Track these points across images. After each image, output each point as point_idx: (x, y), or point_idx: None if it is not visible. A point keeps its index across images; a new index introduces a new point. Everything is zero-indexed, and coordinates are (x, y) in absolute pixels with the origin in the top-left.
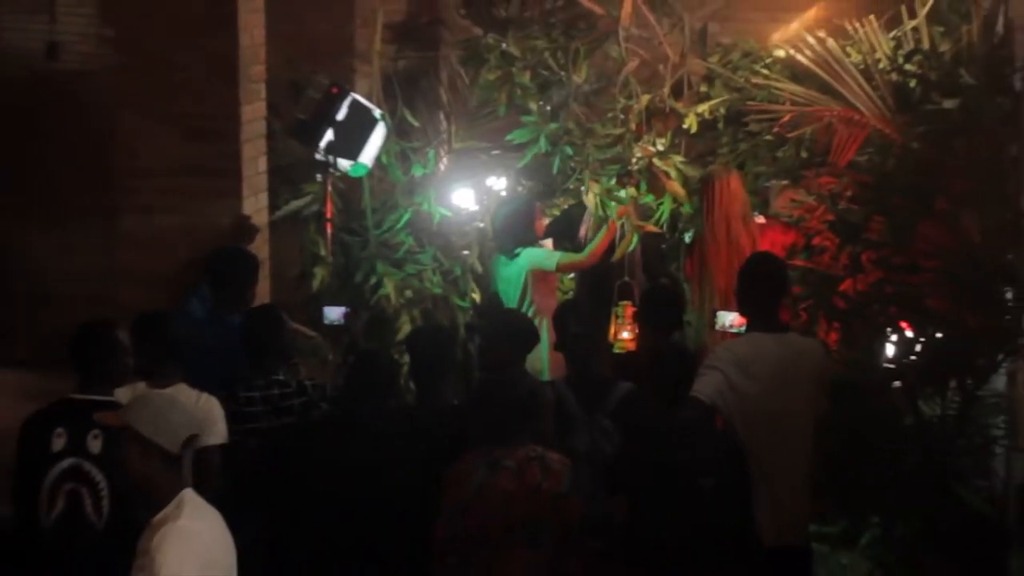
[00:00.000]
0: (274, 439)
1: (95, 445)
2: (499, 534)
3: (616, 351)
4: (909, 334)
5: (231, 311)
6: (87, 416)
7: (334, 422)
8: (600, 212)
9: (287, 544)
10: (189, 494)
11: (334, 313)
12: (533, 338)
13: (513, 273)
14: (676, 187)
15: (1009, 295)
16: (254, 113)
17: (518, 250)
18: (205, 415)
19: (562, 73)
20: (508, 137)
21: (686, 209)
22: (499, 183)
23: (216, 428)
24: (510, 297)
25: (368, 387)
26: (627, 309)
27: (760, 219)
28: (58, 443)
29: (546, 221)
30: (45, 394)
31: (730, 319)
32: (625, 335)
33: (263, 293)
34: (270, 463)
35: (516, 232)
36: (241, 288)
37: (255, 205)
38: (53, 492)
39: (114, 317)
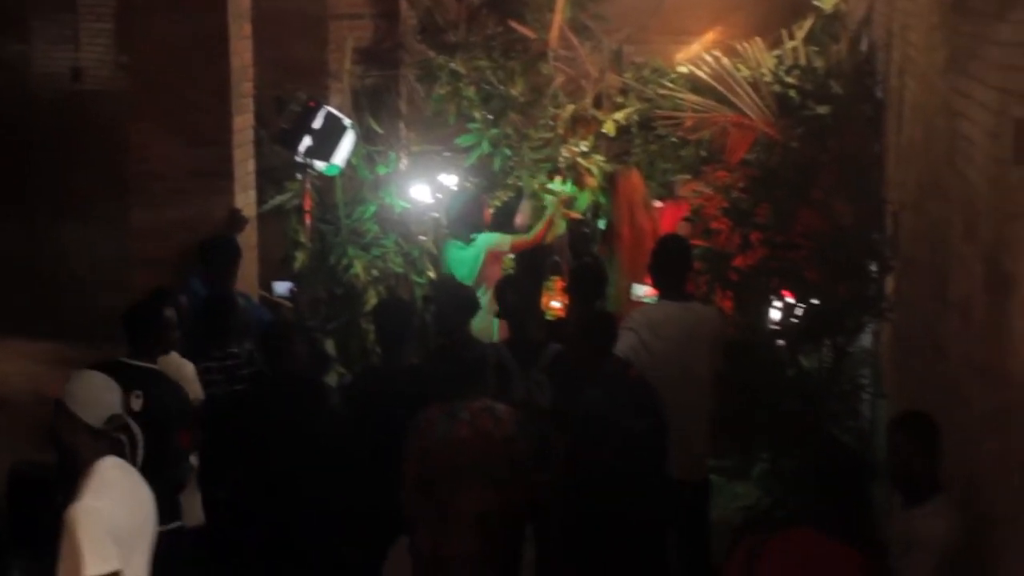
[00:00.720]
0: (232, 402)
1: (136, 404)
2: (458, 473)
3: (548, 318)
4: (790, 301)
5: (223, 287)
6: (134, 379)
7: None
8: (537, 202)
9: (249, 501)
10: (102, 465)
11: (281, 287)
12: (477, 307)
13: (470, 256)
14: (594, 182)
15: (873, 268)
16: (244, 123)
17: (474, 236)
18: (184, 377)
19: (501, 87)
20: (457, 141)
21: (603, 199)
22: (450, 179)
23: (192, 387)
24: (465, 276)
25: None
26: (557, 283)
27: (658, 204)
28: None
29: (491, 211)
30: (67, 362)
31: (643, 290)
32: (556, 304)
33: (252, 274)
34: (228, 424)
35: (469, 221)
36: (226, 269)
37: (245, 200)
38: None
39: (132, 296)
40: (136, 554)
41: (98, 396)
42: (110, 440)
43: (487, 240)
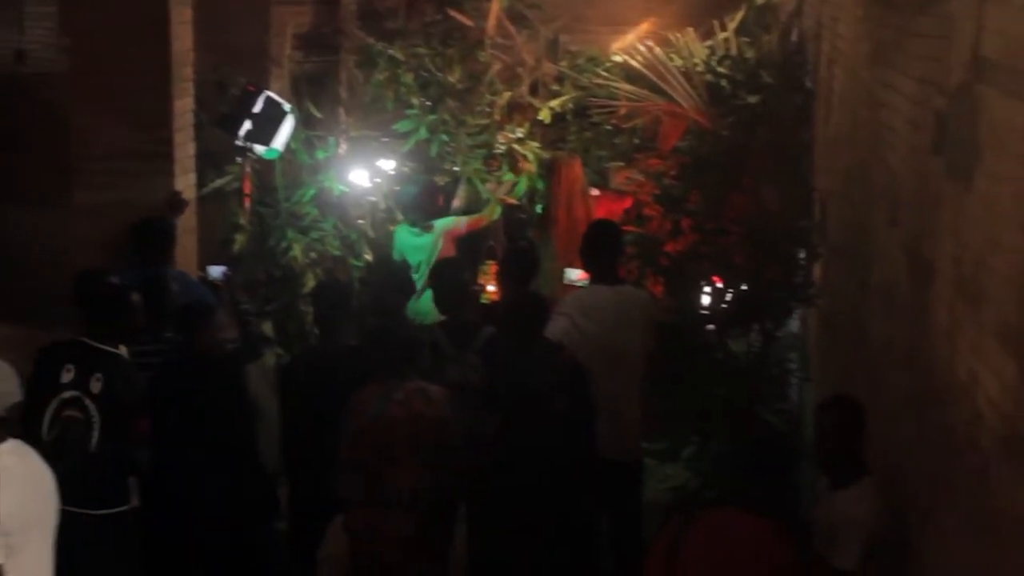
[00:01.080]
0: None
1: (96, 386)
2: (391, 453)
3: (483, 301)
4: (720, 286)
5: (156, 269)
6: (93, 361)
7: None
8: (472, 188)
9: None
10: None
11: (216, 271)
12: (413, 289)
13: (428, 241)
14: (531, 167)
15: (801, 254)
16: (184, 107)
17: (431, 222)
18: None
19: (439, 74)
20: (395, 127)
21: (539, 186)
22: (388, 165)
23: None
24: (423, 262)
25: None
26: (492, 267)
27: (595, 192)
28: (66, 376)
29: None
30: (12, 342)
31: (576, 274)
32: (490, 288)
33: (191, 256)
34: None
35: (426, 208)
36: (160, 251)
37: (185, 183)
38: (55, 416)
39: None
40: (32, 543)
41: None
42: (9, 427)
43: (444, 224)
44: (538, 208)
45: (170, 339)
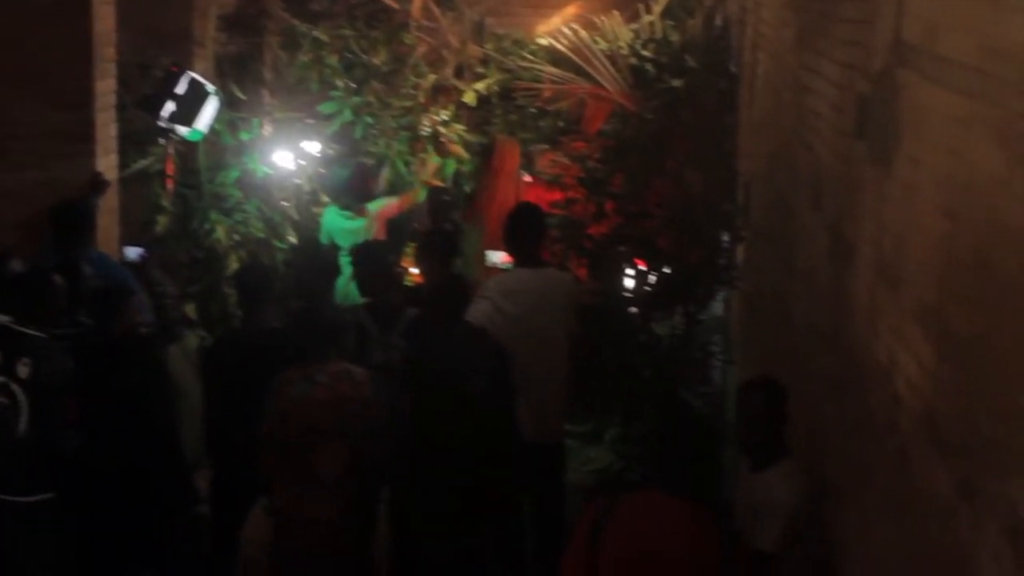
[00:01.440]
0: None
1: (23, 371)
2: (313, 435)
3: (406, 283)
4: (644, 269)
5: (74, 251)
6: (19, 345)
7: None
8: (394, 170)
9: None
10: None
11: (132, 252)
12: (338, 271)
13: (361, 225)
14: (458, 150)
15: (725, 238)
16: (107, 88)
17: (366, 205)
18: None
19: (364, 56)
20: (319, 108)
21: (467, 167)
22: (312, 147)
23: None
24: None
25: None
26: (416, 249)
27: (527, 178)
28: None
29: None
30: None
31: (498, 257)
32: (414, 270)
33: (113, 238)
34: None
35: (357, 191)
36: (76, 234)
37: (107, 164)
38: None
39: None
40: None
41: None
42: None
43: (377, 207)
44: (465, 188)
45: (83, 323)
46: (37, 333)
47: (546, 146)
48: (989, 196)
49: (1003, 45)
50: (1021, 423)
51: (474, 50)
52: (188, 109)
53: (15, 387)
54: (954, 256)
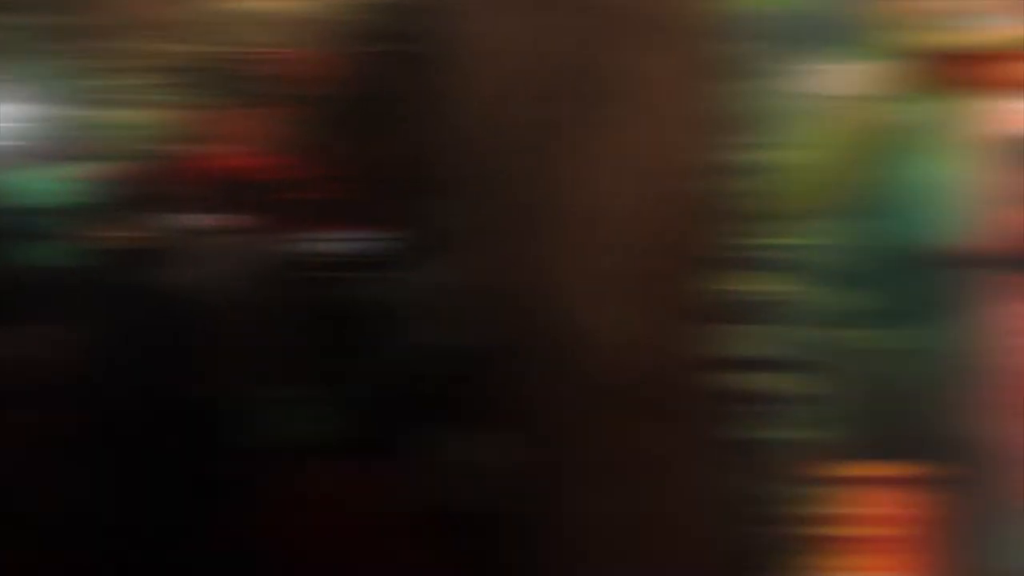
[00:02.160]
0: None
1: None
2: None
3: None
4: (349, 234)
5: None
6: None
7: None
8: None
9: None
10: None
11: None
12: None
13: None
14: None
15: (436, 201)
16: None
17: None
18: None
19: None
20: None
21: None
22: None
23: None
24: None
25: None
26: None
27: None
28: None
29: None
30: None
31: None
32: None
33: None
34: None
35: None
36: None
37: None
38: None
39: None
40: None
41: None
42: None
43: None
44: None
45: None
46: None
47: (250, 110)
48: None
49: None
50: None
51: (170, 17)
52: None
53: None
54: None
